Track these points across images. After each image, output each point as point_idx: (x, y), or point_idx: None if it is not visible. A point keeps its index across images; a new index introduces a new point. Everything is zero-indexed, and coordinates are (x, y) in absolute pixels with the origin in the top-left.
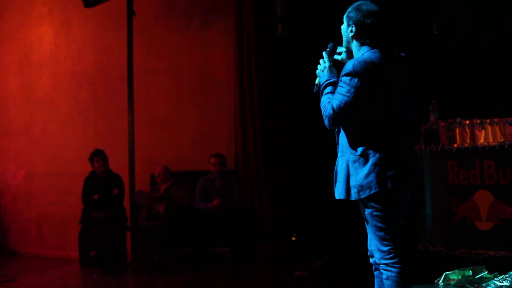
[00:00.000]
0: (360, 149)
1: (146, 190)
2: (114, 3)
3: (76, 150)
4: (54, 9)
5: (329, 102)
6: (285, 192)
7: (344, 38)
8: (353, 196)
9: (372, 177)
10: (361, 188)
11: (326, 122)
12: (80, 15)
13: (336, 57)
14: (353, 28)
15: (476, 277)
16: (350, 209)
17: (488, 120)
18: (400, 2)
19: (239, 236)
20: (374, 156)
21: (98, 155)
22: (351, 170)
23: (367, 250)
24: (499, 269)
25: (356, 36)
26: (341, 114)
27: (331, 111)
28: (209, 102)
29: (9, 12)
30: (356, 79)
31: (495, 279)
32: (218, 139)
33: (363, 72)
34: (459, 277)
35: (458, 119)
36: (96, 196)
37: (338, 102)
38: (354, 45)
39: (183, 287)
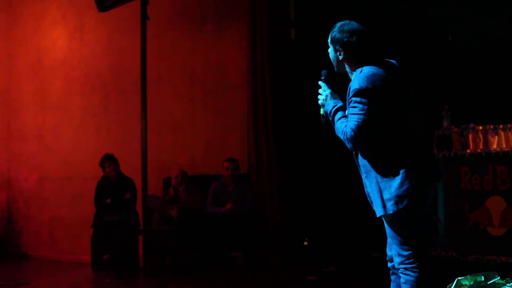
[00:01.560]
0: (386, 164)
1: (159, 194)
2: (128, 7)
3: (88, 154)
4: (67, 13)
5: (346, 126)
6: (297, 196)
7: (335, 63)
8: (391, 209)
9: (406, 185)
10: (398, 199)
11: (349, 145)
12: (93, 19)
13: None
14: (342, 52)
15: (488, 282)
16: (363, 214)
17: (501, 126)
18: (414, 9)
19: (251, 240)
20: (401, 166)
21: (108, 160)
22: (382, 185)
23: (380, 255)
24: (511, 274)
25: (347, 59)
26: (361, 133)
27: (352, 133)
28: (222, 106)
29: (23, 17)
30: (366, 96)
31: (508, 284)
32: (231, 143)
33: (371, 87)
34: (471, 283)
35: (471, 125)
36: (108, 200)
37: (356, 122)
38: (347, 67)
39: None
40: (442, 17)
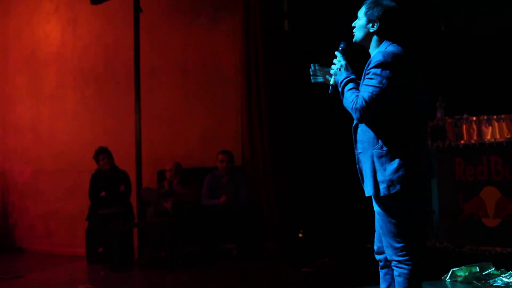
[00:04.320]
0: (385, 144)
1: (153, 187)
2: (121, 0)
3: (83, 146)
4: (61, 6)
5: (357, 96)
6: (291, 188)
7: (360, 34)
8: (382, 191)
9: (401, 172)
10: (391, 183)
11: (356, 115)
12: (86, 12)
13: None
14: (376, 24)
15: (483, 273)
16: (357, 204)
17: (495, 117)
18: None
19: (246, 232)
20: (401, 151)
21: (102, 153)
22: (377, 165)
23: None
24: (506, 265)
25: (378, 32)
26: (373, 105)
27: (363, 103)
28: (216, 99)
29: (16, 9)
30: (387, 70)
31: (502, 275)
32: (225, 135)
33: (394, 64)
34: (466, 274)
35: (465, 116)
36: (103, 193)
37: (370, 94)
38: (374, 40)
39: (190, 283)
40: (435, 8)
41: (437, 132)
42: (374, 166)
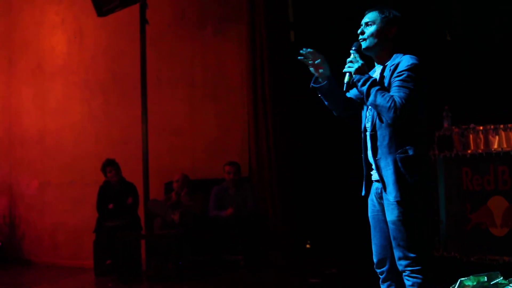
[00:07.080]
0: (410, 149)
1: (160, 198)
2: (127, 12)
3: (89, 159)
4: (66, 18)
5: (392, 96)
6: (298, 199)
7: (375, 41)
8: (408, 196)
9: (426, 177)
10: (418, 188)
11: (391, 115)
12: (92, 24)
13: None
14: (395, 29)
15: (491, 283)
16: (365, 214)
17: (502, 126)
18: (413, 8)
19: (253, 243)
20: (424, 156)
21: (110, 165)
22: (404, 170)
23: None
24: None
25: (395, 39)
26: (409, 106)
27: (403, 101)
28: (223, 110)
29: (22, 21)
30: (420, 74)
31: (511, 284)
32: (231, 147)
33: (423, 69)
34: (474, 284)
35: (472, 125)
36: (111, 205)
37: (407, 95)
38: (387, 48)
39: None
40: (441, 17)
41: (444, 141)
42: (398, 171)
